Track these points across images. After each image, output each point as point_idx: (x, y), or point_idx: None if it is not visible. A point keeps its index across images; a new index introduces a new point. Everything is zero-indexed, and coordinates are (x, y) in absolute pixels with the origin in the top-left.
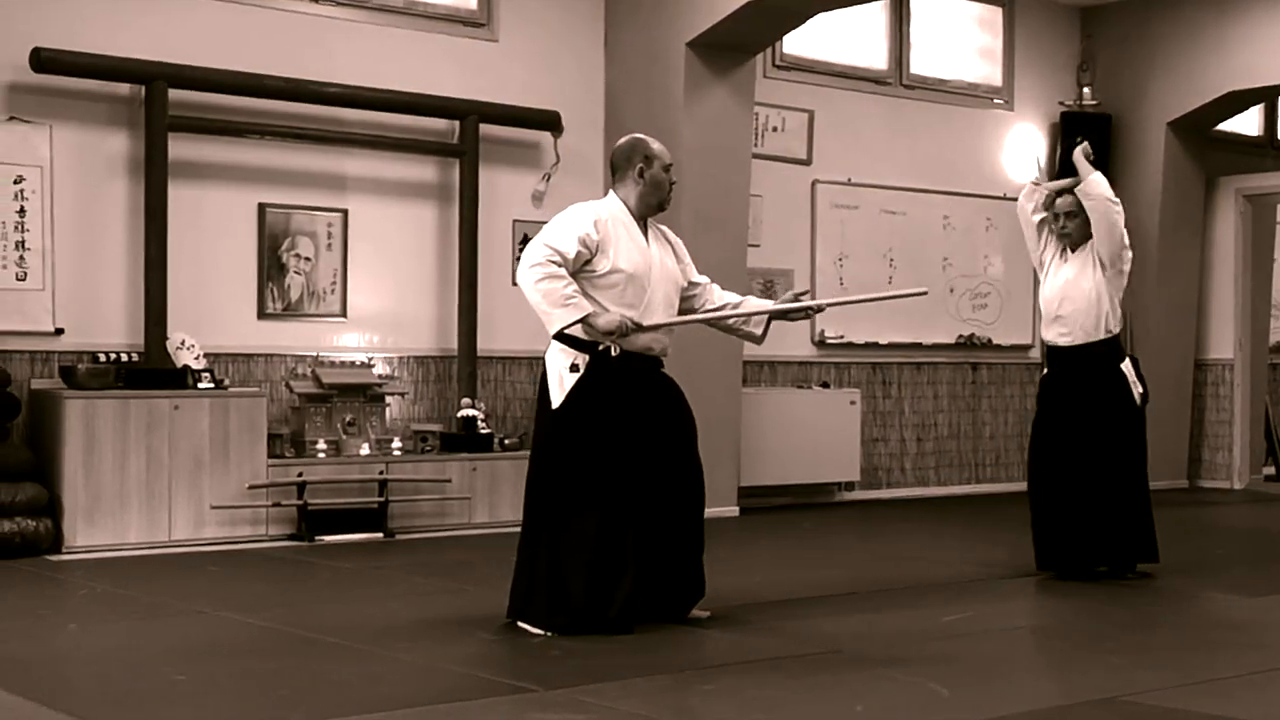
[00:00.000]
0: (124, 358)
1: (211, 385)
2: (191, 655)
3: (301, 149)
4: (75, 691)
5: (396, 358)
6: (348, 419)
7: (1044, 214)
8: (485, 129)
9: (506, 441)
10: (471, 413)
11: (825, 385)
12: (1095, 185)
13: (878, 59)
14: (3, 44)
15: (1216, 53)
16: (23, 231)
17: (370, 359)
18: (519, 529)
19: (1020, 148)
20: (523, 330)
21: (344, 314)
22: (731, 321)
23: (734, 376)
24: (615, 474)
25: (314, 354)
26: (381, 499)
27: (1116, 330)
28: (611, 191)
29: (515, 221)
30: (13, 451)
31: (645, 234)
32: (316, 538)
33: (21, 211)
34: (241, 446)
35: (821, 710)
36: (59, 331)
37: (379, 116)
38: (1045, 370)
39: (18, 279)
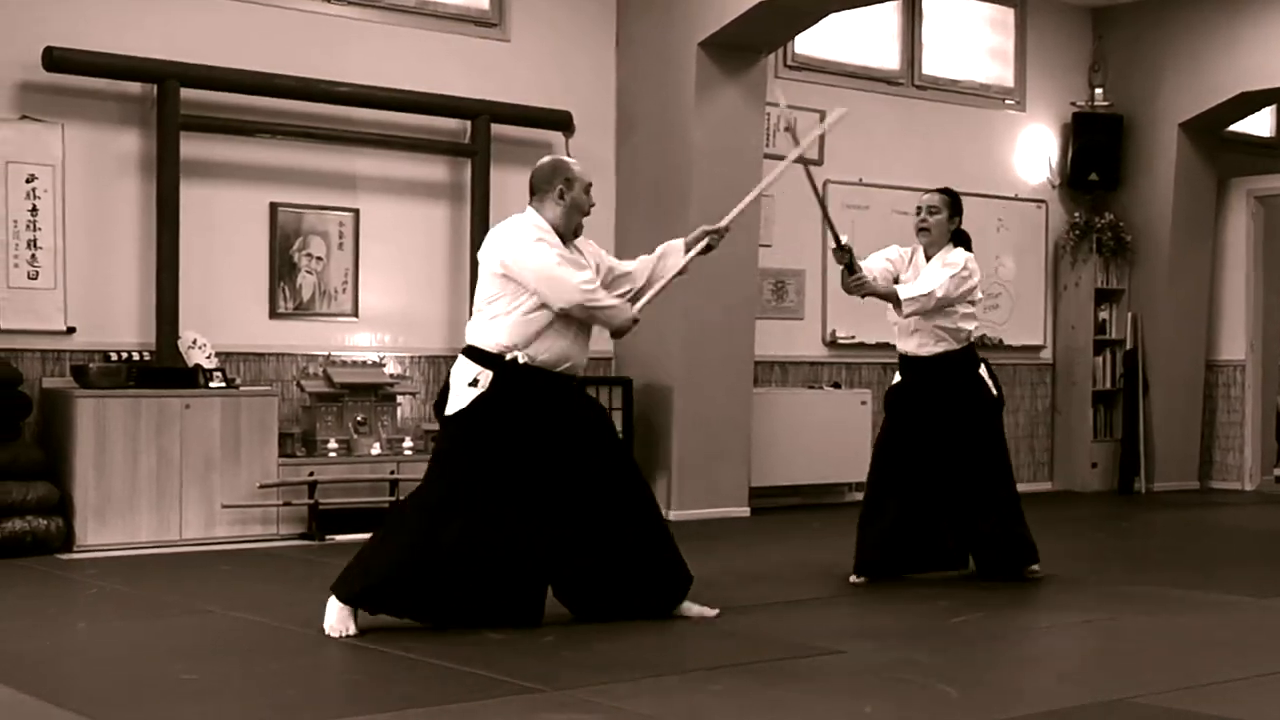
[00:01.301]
0: (135, 357)
1: (223, 384)
2: (201, 654)
3: (313, 148)
4: (84, 690)
5: (408, 357)
6: (359, 418)
7: (867, 275)
8: (497, 129)
9: None
10: None
11: (836, 385)
12: (912, 309)
13: (890, 59)
14: (15, 43)
15: (1228, 54)
16: (34, 230)
17: (381, 358)
18: None
19: (1032, 149)
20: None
21: (355, 313)
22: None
23: (745, 377)
24: (504, 485)
25: (325, 353)
26: (393, 498)
27: (970, 340)
28: (530, 209)
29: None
30: (24, 450)
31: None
32: (327, 537)
33: (33, 210)
34: (252, 446)
35: (830, 711)
36: (71, 330)
37: (391, 116)
38: (897, 379)
39: (30, 278)
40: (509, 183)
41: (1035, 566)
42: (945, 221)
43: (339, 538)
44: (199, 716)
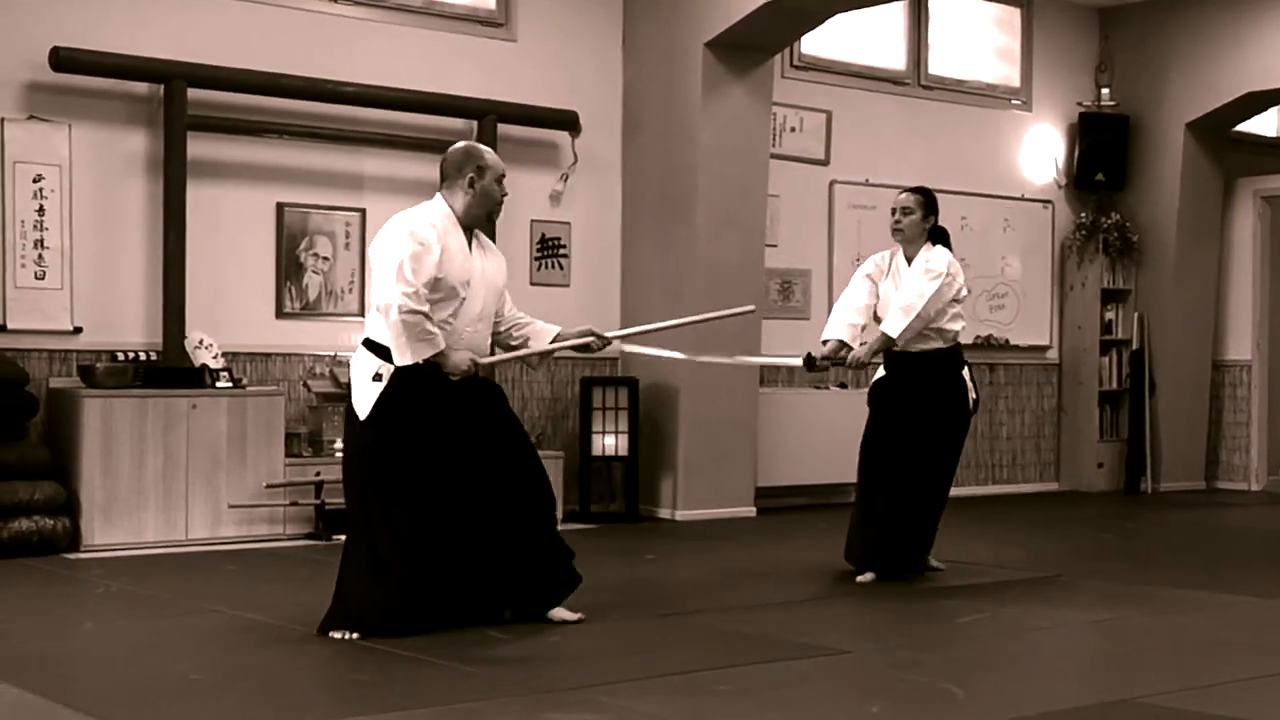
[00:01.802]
0: (142, 357)
1: (229, 384)
2: (207, 654)
3: (320, 148)
4: (91, 690)
5: None
6: None
7: (865, 322)
8: (503, 129)
9: None
10: None
11: (843, 386)
12: (908, 335)
13: (896, 59)
14: (22, 43)
15: (1235, 54)
16: (41, 230)
17: None
18: None
19: (1038, 149)
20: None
21: (362, 313)
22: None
23: (751, 377)
24: (421, 482)
25: (332, 353)
26: None
27: (958, 342)
28: (438, 195)
29: (533, 221)
30: (31, 450)
31: (470, 243)
32: (334, 537)
33: (40, 210)
34: (259, 446)
35: (836, 711)
36: (77, 330)
37: (397, 116)
38: (881, 374)
39: (36, 278)
40: (515, 182)
41: (933, 563)
42: (919, 221)
43: (345, 538)
44: (205, 716)
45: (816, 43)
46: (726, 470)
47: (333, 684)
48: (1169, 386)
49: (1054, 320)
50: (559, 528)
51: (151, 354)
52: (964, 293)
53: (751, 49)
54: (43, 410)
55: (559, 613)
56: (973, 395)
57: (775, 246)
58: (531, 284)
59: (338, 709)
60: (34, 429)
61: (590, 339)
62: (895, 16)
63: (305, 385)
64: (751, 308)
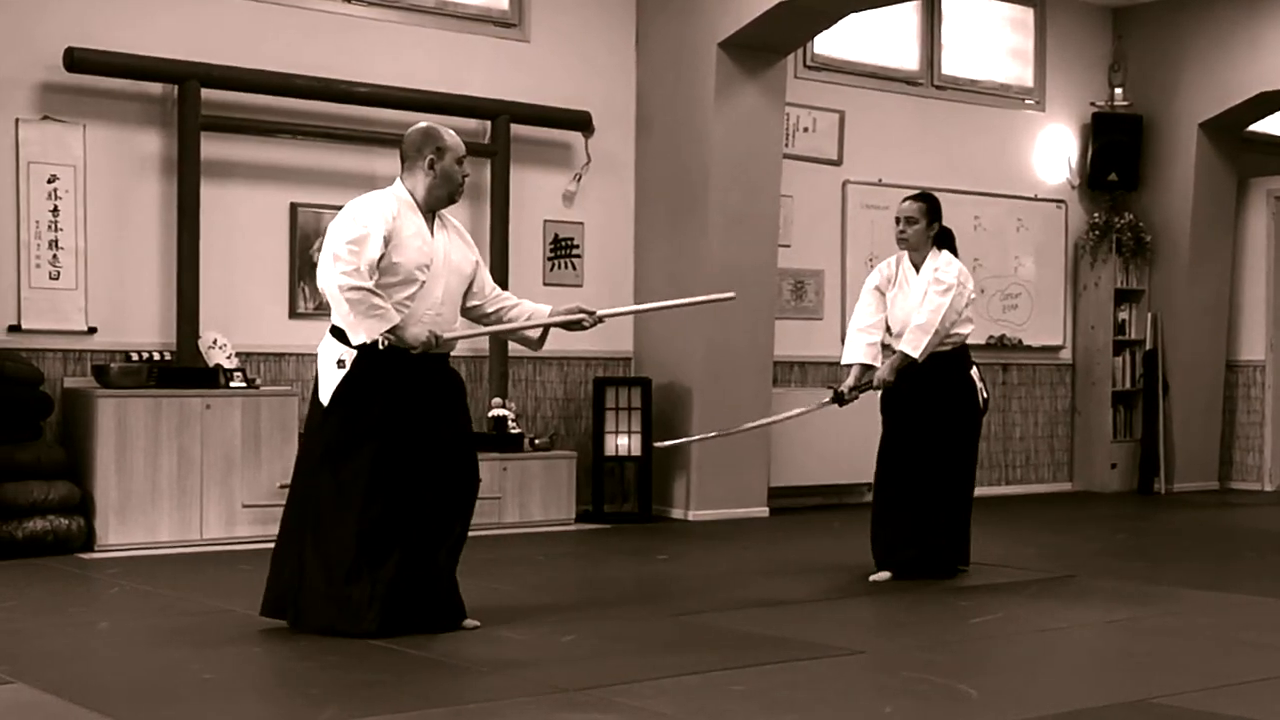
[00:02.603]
0: (156, 357)
1: (243, 384)
2: (222, 654)
3: (333, 149)
4: (106, 689)
5: None
6: None
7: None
8: (516, 129)
9: (537, 441)
10: (502, 412)
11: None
12: (927, 350)
13: (909, 59)
14: (36, 44)
15: (1248, 54)
16: (56, 230)
17: None
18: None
19: (1051, 149)
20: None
21: None
22: (515, 328)
23: (764, 377)
24: (381, 476)
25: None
26: None
27: (964, 343)
28: (398, 180)
29: (546, 221)
30: (45, 450)
31: (431, 226)
32: None
33: (55, 211)
34: (273, 445)
35: (850, 711)
36: (92, 330)
37: (410, 116)
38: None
39: (51, 278)
40: (528, 183)
41: (964, 568)
42: (924, 230)
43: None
44: (220, 715)
45: (829, 43)
46: (739, 470)
47: (346, 684)
48: (1182, 387)
49: (1067, 320)
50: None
51: (165, 354)
52: (972, 296)
53: (764, 49)
54: (57, 410)
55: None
56: (983, 395)
57: (788, 247)
58: (545, 284)
59: (351, 709)
60: (49, 429)
61: (582, 315)
62: (908, 17)
63: (315, 379)
64: (731, 295)
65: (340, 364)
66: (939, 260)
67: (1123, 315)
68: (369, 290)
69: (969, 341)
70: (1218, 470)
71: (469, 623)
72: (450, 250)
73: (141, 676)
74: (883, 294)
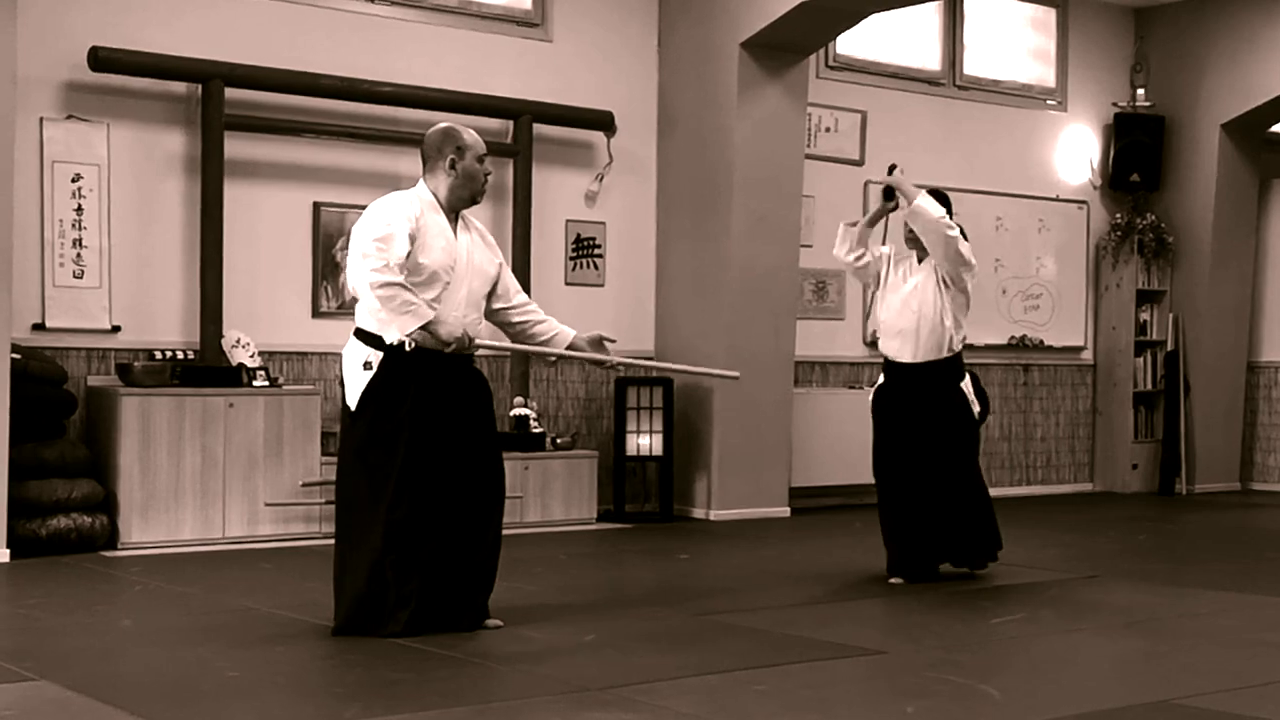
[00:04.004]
0: (179, 355)
1: (266, 383)
2: (245, 652)
3: (356, 148)
4: (129, 686)
5: None
6: None
7: (861, 250)
8: (539, 129)
9: (559, 441)
10: (524, 412)
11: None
12: (921, 211)
13: (931, 60)
14: (61, 43)
15: (1271, 54)
16: (80, 229)
17: None
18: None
19: (1073, 149)
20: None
21: None
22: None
23: (786, 377)
24: (409, 475)
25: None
26: None
27: (959, 349)
28: (421, 181)
29: (568, 221)
30: (69, 448)
31: (455, 227)
32: None
33: (79, 210)
34: (295, 444)
35: (872, 711)
36: (115, 329)
37: (433, 116)
38: (881, 382)
39: (75, 276)
40: (551, 182)
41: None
42: None
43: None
44: (243, 713)
45: (852, 43)
46: (761, 470)
47: (370, 682)
48: (1204, 387)
49: (1089, 321)
50: (504, 536)
51: (189, 353)
52: (966, 289)
53: (787, 49)
54: (81, 409)
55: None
56: (976, 407)
57: (810, 247)
58: (567, 284)
59: (375, 707)
60: (72, 427)
61: (606, 358)
62: (930, 17)
63: (341, 384)
64: (736, 375)
65: (367, 366)
66: None
67: (1144, 316)
68: (400, 285)
69: (987, 344)
70: (1239, 471)
71: (491, 622)
72: (474, 252)
73: (165, 674)
74: (877, 264)
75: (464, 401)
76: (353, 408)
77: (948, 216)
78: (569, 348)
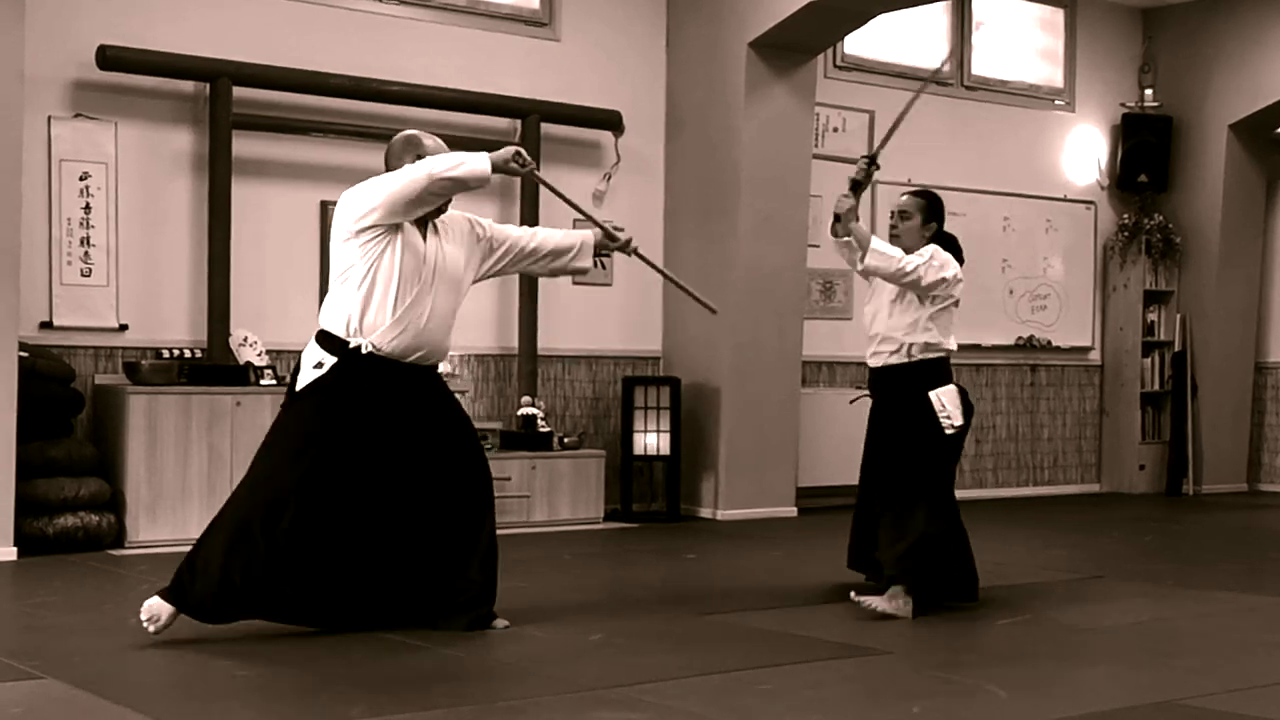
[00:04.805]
0: (187, 354)
1: (274, 382)
2: (252, 651)
3: (364, 147)
4: (138, 686)
5: (457, 356)
6: None
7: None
8: (547, 128)
9: (566, 440)
10: (531, 411)
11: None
12: (875, 269)
13: (939, 60)
14: (69, 42)
15: (1279, 55)
16: (88, 228)
17: None
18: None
19: (1081, 150)
20: (583, 329)
21: None
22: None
23: (792, 378)
24: (329, 475)
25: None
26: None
27: (921, 357)
28: None
29: (576, 221)
30: (76, 446)
31: (424, 233)
32: None
33: (87, 208)
34: None
35: (878, 711)
36: (123, 327)
37: (441, 115)
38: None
39: (83, 275)
40: (558, 181)
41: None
42: (918, 227)
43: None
44: (249, 713)
45: (859, 43)
46: (768, 470)
47: (375, 681)
48: (1211, 388)
49: (1096, 321)
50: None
51: (196, 351)
52: (955, 293)
53: (795, 49)
54: (88, 407)
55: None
56: (951, 420)
57: (817, 247)
58: (574, 283)
59: (381, 706)
60: (80, 426)
61: (622, 239)
62: (938, 17)
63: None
64: (715, 308)
65: (318, 365)
66: (929, 248)
67: (1152, 316)
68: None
69: (994, 344)
70: (1246, 472)
71: (499, 623)
72: (440, 257)
73: (171, 673)
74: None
75: (420, 411)
76: (291, 396)
77: (909, 259)
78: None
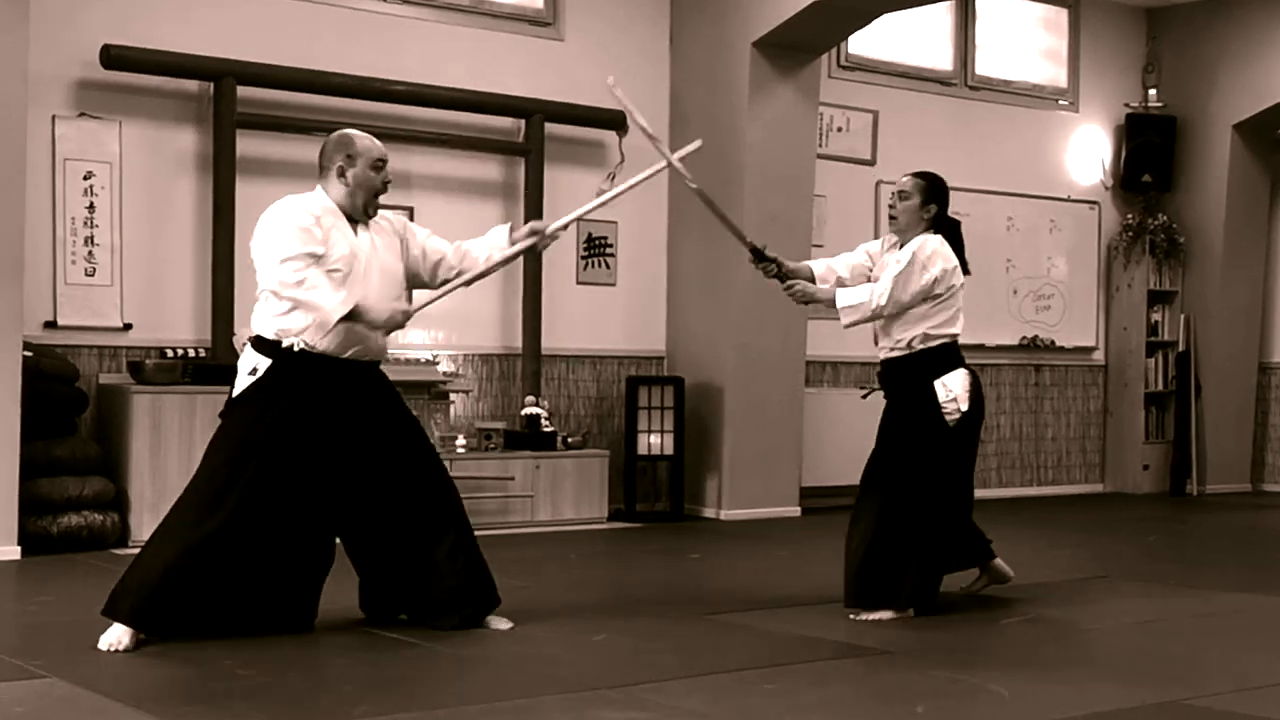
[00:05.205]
0: (191, 353)
1: None
2: (255, 650)
3: None
4: (141, 685)
5: (461, 355)
6: None
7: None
8: (550, 128)
9: (570, 440)
10: (535, 411)
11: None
12: (851, 315)
13: (943, 60)
14: (73, 41)
15: None
16: (92, 227)
17: (435, 356)
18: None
19: (1085, 150)
20: (587, 329)
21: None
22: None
23: (796, 377)
24: (272, 481)
25: None
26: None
27: (935, 344)
28: (318, 186)
29: (580, 221)
30: (80, 446)
31: (355, 230)
32: None
33: (91, 208)
34: None
35: (882, 711)
36: (127, 327)
37: (445, 115)
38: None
39: (87, 274)
40: (562, 181)
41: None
42: (916, 209)
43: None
44: (253, 712)
45: (863, 43)
46: (772, 470)
47: (379, 680)
48: (1215, 388)
49: (1100, 321)
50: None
51: (200, 350)
52: (955, 282)
53: (799, 49)
54: (92, 406)
55: (493, 621)
56: (957, 406)
57: (821, 247)
58: (578, 283)
59: (385, 705)
60: (84, 425)
61: (534, 239)
62: (942, 17)
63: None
64: (698, 144)
65: (253, 371)
66: (913, 240)
67: (1155, 316)
68: (318, 274)
69: (998, 344)
70: (1249, 472)
71: (501, 624)
72: (374, 257)
73: (174, 672)
74: (871, 259)
75: (363, 409)
76: (228, 404)
77: (877, 290)
78: (503, 249)
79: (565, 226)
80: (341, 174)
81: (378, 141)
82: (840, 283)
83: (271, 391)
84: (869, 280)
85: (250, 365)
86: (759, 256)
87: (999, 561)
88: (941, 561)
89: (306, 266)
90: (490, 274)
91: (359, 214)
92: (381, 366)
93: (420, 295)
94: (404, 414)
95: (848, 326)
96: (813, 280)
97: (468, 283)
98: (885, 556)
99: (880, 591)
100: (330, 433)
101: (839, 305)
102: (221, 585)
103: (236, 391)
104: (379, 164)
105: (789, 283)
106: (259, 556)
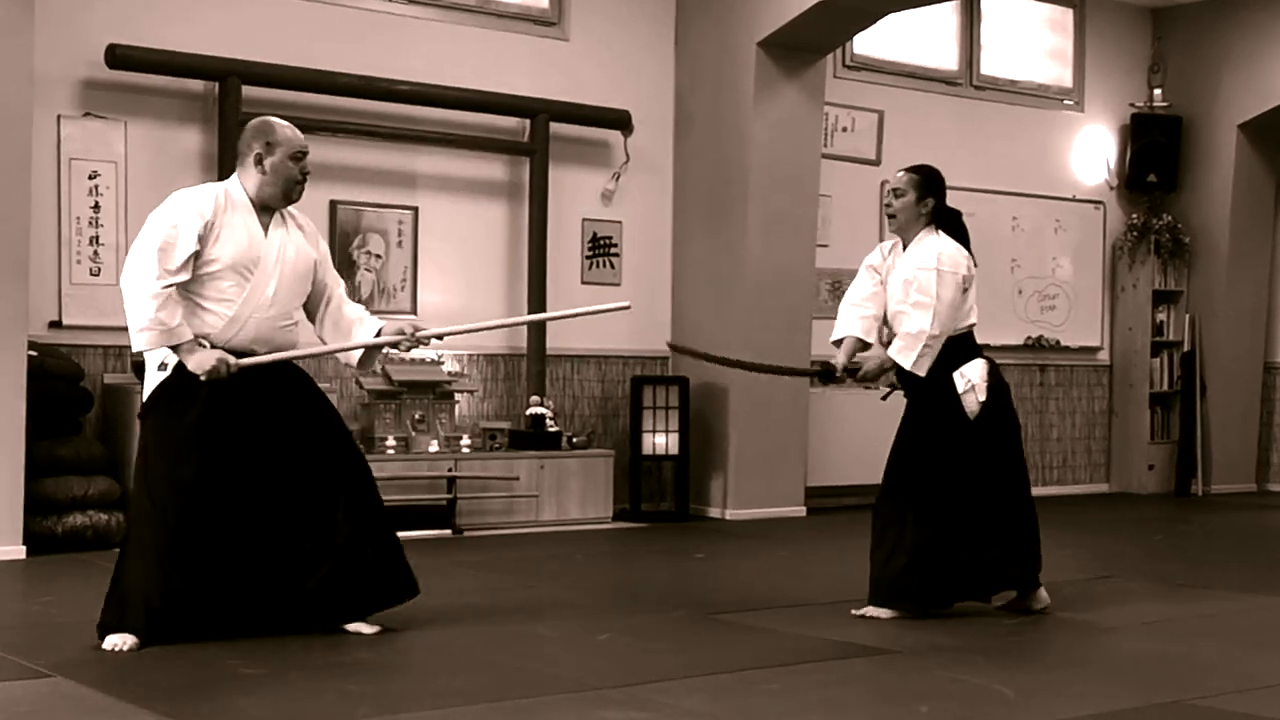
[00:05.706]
0: None
1: None
2: (260, 648)
3: (373, 146)
4: (147, 683)
5: (466, 355)
6: (417, 416)
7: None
8: (555, 127)
9: (575, 440)
10: (540, 411)
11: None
12: (914, 363)
13: (948, 60)
14: (78, 41)
15: None
16: (97, 227)
17: (440, 356)
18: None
19: (1090, 150)
20: (592, 329)
21: (414, 311)
22: (329, 350)
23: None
24: (193, 479)
25: (384, 351)
26: (450, 496)
27: (952, 336)
28: (235, 175)
29: (585, 220)
30: (85, 445)
31: (267, 223)
32: None
33: (96, 207)
34: None
35: (886, 711)
36: None
37: (450, 114)
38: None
39: (92, 274)
40: (567, 181)
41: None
42: (913, 204)
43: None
44: (257, 710)
45: (868, 43)
46: (777, 470)
47: (382, 679)
48: (1220, 388)
49: (1105, 322)
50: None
51: None
52: (968, 275)
53: (804, 49)
54: (97, 406)
55: (356, 626)
56: (976, 396)
57: (826, 247)
58: (582, 283)
59: (390, 703)
60: (88, 425)
61: (400, 337)
62: (947, 17)
63: (357, 382)
64: (626, 305)
65: (162, 367)
66: (924, 244)
67: (1161, 317)
68: (162, 294)
69: (1003, 344)
70: (1255, 472)
71: (364, 629)
72: (285, 249)
73: (179, 670)
74: (878, 273)
75: (276, 403)
76: (141, 408)
77: (921, 321)
78: (372, 336)
79: (438, 337)
80: (259, 161)
81: (299, 132)
82: (875, 327)
83: (184, 388)
84: (882, 300)
85: (158, 360)
86: (828, 377)
87: (1042, 591)
88: (959, 562)
89: (156, 293)
90: (338, 354)
91: (276, 203)
92: (390, 366)
93: (262, 355)
94: (322, 405)
95: (914, 368)
96: (866, 345)
97: (316, 355)
98: (907, 555)
99: (899, 590)
100: (250, 421)
101: (907, 366)
102: (213, 580)
103: (148, 390)
104: (299, 155)
105: (862, 372)
106: (233, 547)
